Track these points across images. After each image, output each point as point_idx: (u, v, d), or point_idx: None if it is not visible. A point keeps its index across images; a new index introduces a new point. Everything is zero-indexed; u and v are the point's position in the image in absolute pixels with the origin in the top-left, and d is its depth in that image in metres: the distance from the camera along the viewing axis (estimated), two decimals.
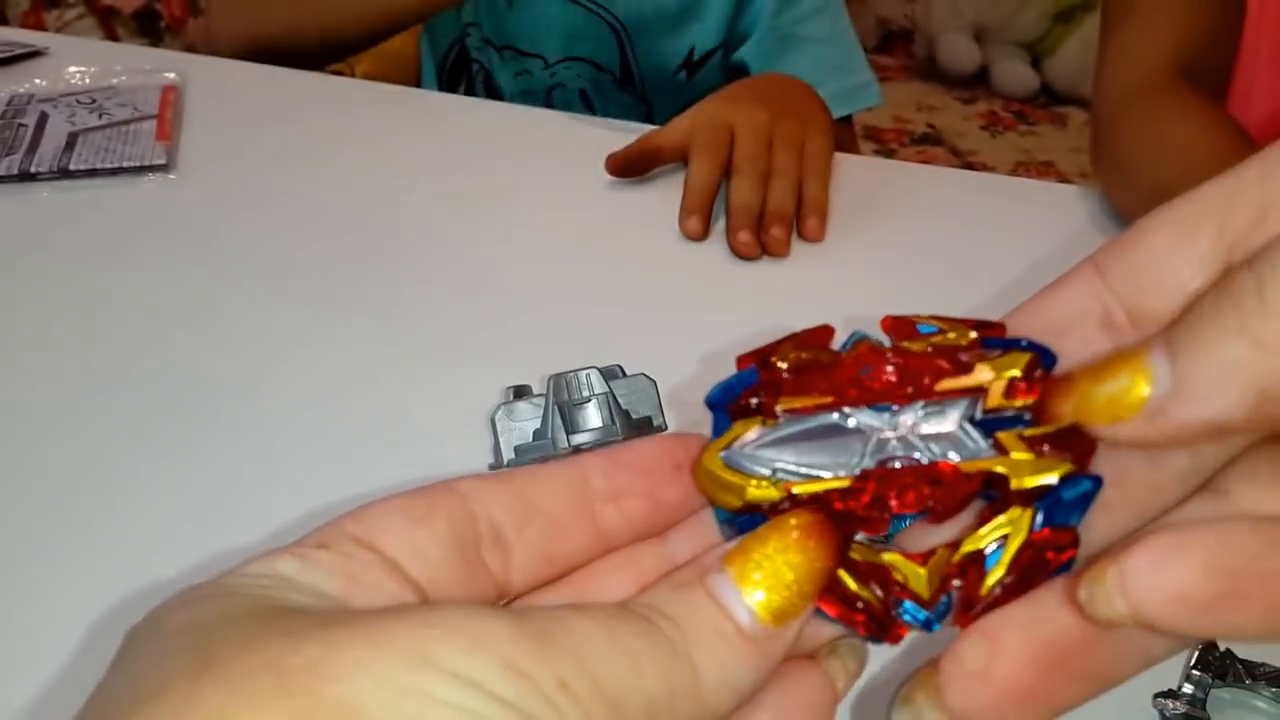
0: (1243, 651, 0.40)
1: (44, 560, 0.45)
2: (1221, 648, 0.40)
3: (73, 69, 0.89)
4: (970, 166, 2.46)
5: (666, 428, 0.44)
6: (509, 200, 0.74)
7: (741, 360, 0.23)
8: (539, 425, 0.44)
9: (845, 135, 0.94)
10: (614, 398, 0.44)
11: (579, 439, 0.43)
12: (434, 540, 0.19)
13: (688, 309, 0.63)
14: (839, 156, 0.77)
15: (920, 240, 0.70)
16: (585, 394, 0.44)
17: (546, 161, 0.79)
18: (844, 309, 0.64)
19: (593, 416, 0.43)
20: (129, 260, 0.66)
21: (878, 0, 2.94)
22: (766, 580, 0.19)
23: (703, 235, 0.69)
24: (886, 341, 0.23)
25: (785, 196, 0.69)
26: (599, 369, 0.44)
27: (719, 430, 0.22)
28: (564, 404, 0.43)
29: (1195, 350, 0.18)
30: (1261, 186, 0.19)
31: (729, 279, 0.66)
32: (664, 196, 0.73)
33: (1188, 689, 0.39)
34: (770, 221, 0.68)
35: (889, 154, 2.51)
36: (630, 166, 0.74)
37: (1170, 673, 0.39)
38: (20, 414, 0.53)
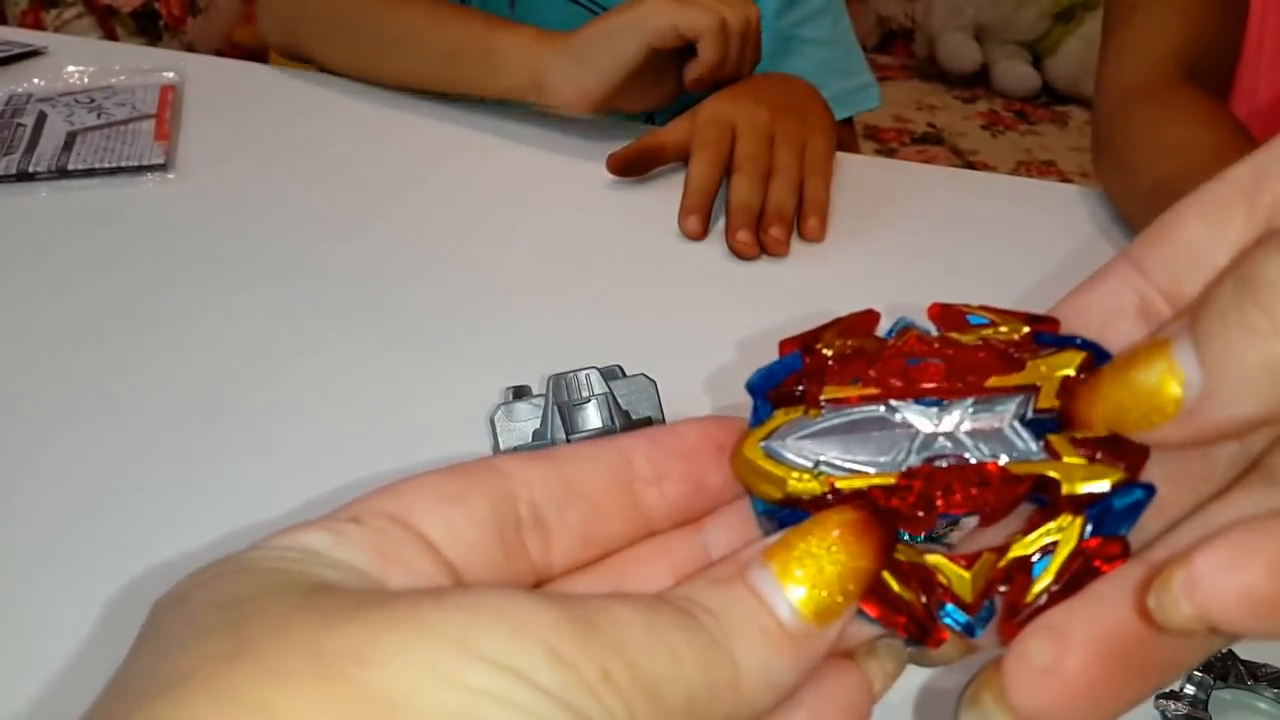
0: (1244, 653, 0.40)
1: (42, 562, 0.44)
2: (1224, 649, 0.40)
3: (71, 68, 0.89)
4: (971, 166, 2.46)
5: None
6: (509, 200, 0.74)
7: (784, 345, 0.22)
8: (538, 426, 0.44)
9: (846, 136, 0.94)
10: (614, 398, 0.43)
11: (579, 439, 0.43)
12: (470, 521, 0.19)
13: (688, 309, 0.62)
14: (839, 156, 0.77)
15: (921, 240, 0.70)
16: (585, 394, 0.44)
17: (547, 162, 0.79)
18: (845, 308, 0.64)
19: (592, 417, 0.43)
20: (127, 260, 0.66)
21: (878, 0, 2.94)
22: (809, 577, 0.18)
23: (702, 235, 0.69)
24: (933, 330, 0.22)
25: (786, 195, 0.69)
26: (599, 369, 0.44)
27: (759, 416, 0.21)
28: (563, 404, 0.43)
29: (1225, 348, 0.17)
30: None
31: (729, 279, 0.66)
32: (664, 196, 0.73)
33: (1189, 690, 0.39)
34: (770, 221, 0.68)
35: (889, 153, 2.51)
36: (631, 166, 0.74)
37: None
38: (18, 414, 0.53)
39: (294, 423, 0.52)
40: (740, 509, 0.22)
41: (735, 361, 0.56)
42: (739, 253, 0.67)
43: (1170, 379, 0.18)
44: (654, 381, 0.45)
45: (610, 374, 0.45)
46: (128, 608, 0.42)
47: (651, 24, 0.71)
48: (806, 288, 0.65)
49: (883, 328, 0.23)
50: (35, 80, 0.88)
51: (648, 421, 0.44)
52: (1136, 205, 0.68)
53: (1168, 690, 0.39)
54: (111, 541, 0.45)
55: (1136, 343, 0.19)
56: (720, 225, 0.70)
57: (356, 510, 0.19)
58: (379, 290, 0.64)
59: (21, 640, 0.41)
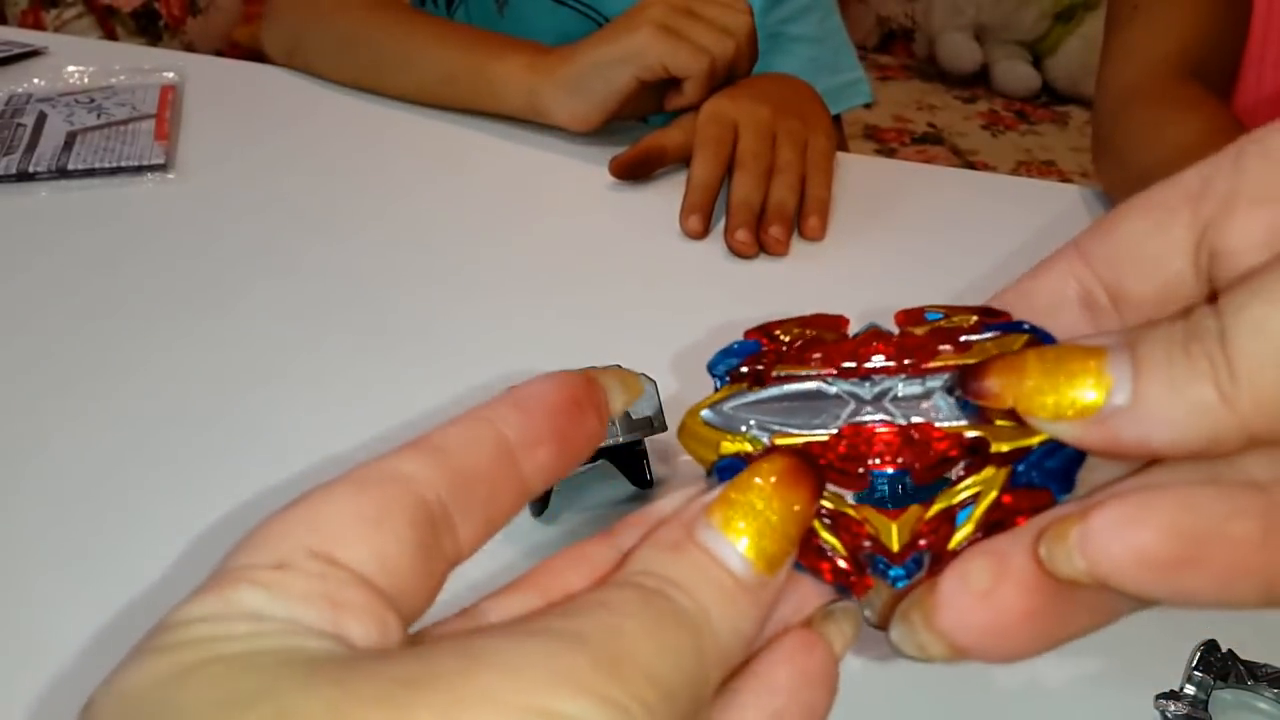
0: (1245, 653, 0.40)
1: (42, 563, 0.44)
2: (1224, 649, 0.40)
3: (71, 68, 0.89)
4: (971, 166, 2.46)
5: (666, 428, 0.44)
6: (510, 200, 0.74)
7: (749, 333, 0.24)
8: None
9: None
10: None
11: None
12: (397, 543, 0.18)
13: (688, 309, 0.62)
14: (839, 156, 0.77)
15: (920, 240, 0.70)
16: None
17: (547, 161, 0.79)
18: (844, 308, 0.64)
19: None
20: (127, 260, 0.66)
21: (878, 0, 2.94)
22: (751, 526, 0.19)
23: (703, 234, 0.69)
24: (897, 332, 0.23)
25: (787, 194, 0.69)
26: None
27: None
28: None
29: (1162, 381, 0.18)
30: (1232, 175, 0.20)
31: (730, 279, 0.66)
32: (664, 196, 0.73)
33: (1190, 690, 0.39)
34: (770, 219, 0.68)
35: (889, 153, 2.51)
36: (634, 169, 0.74)
37: (1172, 674, 0.39)
38: (18, 413, 0.53)
39: (294, 422, 0.52)
40: (646, 516, 0.22)
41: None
42: (738, 251, 0.67)
43: (1097, 384, 0.18)
44: (654, 381, 0.45)
45: None
46: (128, 608, 0.42)
47: (642, 60, 0.73)
48: (806, 287, 0.65)
49: (851, 331, 0.24)
50: (35, 80, 0.88)
51: (648, 421, 0.44)
52: None
53: (1168, 690, 0.39)
54: (111, 542, 0.45)
55: (1074, 339, 0.20)
56: (721, 225, 0.70)
57: (274, 551, 0.17)
58: (379, 290, 0.64)
59: (22, 641, 0.41)
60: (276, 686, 0.15)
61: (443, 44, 0.82)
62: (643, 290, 0.64)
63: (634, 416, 0.44)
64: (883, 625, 0.21)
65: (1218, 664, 0.39)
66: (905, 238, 0.70)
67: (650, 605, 0.18)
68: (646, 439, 0.44)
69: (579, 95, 0.76)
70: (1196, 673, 0.39)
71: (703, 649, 0.18)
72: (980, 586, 0.19)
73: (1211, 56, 0.72)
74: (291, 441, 0.51)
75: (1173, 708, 0.38)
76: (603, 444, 0.42)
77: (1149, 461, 0.20)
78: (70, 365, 0.56)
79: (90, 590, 0.43)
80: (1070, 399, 0.19)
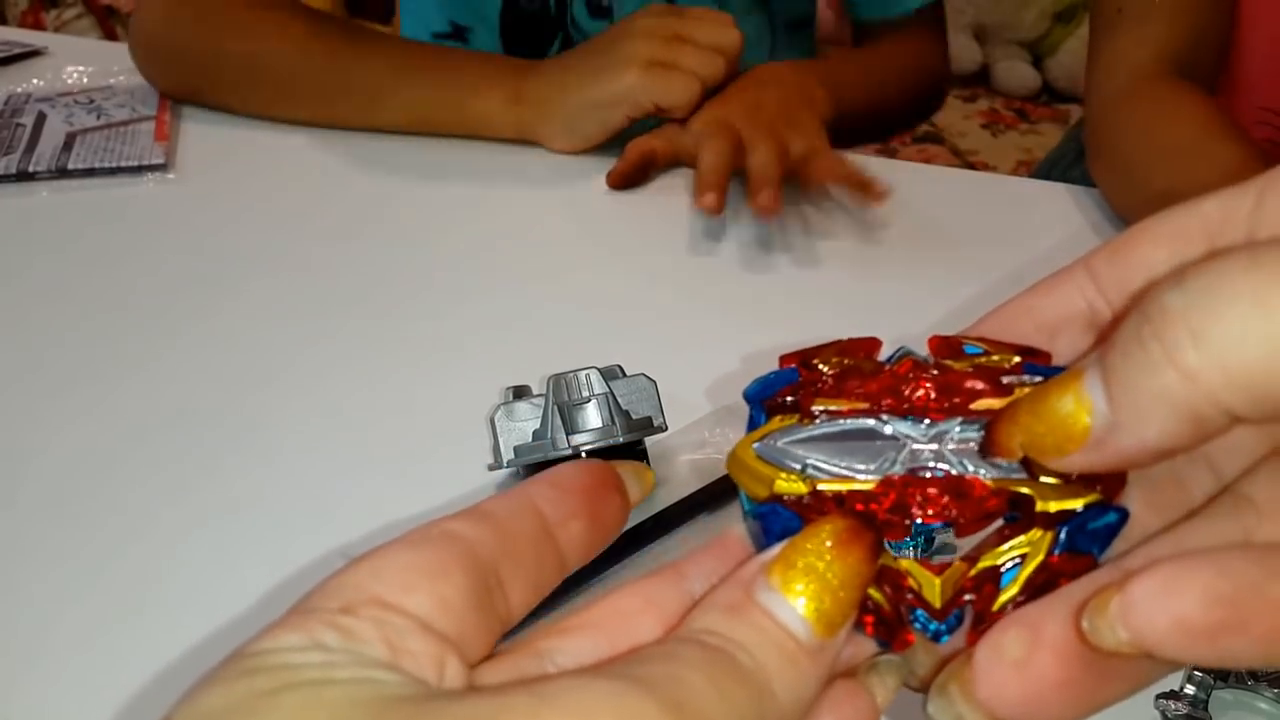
0: None
1: (41, 564, 0.44)
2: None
3: (70, 69, 0.89)
4: (971, 165, 2.46)
5: (666, 428, 0.44)
6: (509, 200, 0.74)
7: (784, 359, 0.23)
8: (538, 426, 0.44)
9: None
10: (614, 398, 0.43)
11: (579, 439, 0.43)
12: (456, 591, 0.19)
13: (688, 309, 0.62)
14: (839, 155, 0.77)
15: (920, 239, 0.70)
16: (585, 394, 0.44)
17: (548, 161, 0.79)
18: (843, 308, 0.64)
19: (592, 417, 0.43)
20: (128, 260, 0.66)
21: None
22: (811, 587, 0.19)
23: (719, 210, 0.67)
24: (931, 360, 0.23)
25: (769, 158, 0.68)
26: (599, 369, 0.44)
27: (754, 424, 0.23)
28: (564, 404, 0.43)
29: (1126, 380, 0.18)
30: (1255, 210, 0.20)
31: (729, 279, 0.66)
32: (664, 197, 0.73)
33: (1190, 690, 0.39)
34: (756, 186, 0.66)
35: (890, 153, 2.51)
36: (630, 178, 0.75)
37: (1172, 674, 0.39)
38: (18, 414, 0.53)
39: (294, 423, 0.52)
40: (716, 554, 0.22)
41: (734, 362, 0.56)
42: (761, 213, 0.66)
43: (1080, 409, 0.19)
44: (654, 381, 0.45)
45: (610, 374, 0.45)
46: (128, 609, 0.42)
47: (634, 101, 0.74)
48: (806, 287, 0.65)
49: (884, 354, 0.23)
50: (35, 81, 0.88)
51: (648, 421, 0.44)
52: (1140, 210, 0.68)
53: (1168, 690, 0.39)
54: (111, 542, 0.45)
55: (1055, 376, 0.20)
56: (726, 224, 0.70)
57: (344, 598, 0.18)
58: (380, 290, 0.64)
59: (22, 641, 0.41)
60: (352, 715, 0.16)
61: (411, 81, 0.79)
62: (643, 289, 0.64)
63: (634, 416, 0.44)
64: (922, 689, 0.21)
65: None
66: (905, 237, 0.70)
67: (714, 661, 0.18)
68: (646, 439, 0.44)
69: (572, 133, 0.77)
70: (1196, 672, 0.39)
71: (764, 710, 0.18)
72: (1015, 656, 0.19)
73: (1198, 55, 0.72)
74: (293, 440, 0.51)
75: (1173, 707, 0.38)
76: (603, 444, 0.42)
77: (1185, 515, 0.21)
78: (72, 365, 0.56)
79: (89, 590, 0.43)
80: (1065, 433, 0.19)
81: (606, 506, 0.22)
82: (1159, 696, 0.39)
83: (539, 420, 0.44)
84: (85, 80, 0.89)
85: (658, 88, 0.73)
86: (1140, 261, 0.21)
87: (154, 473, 0.49)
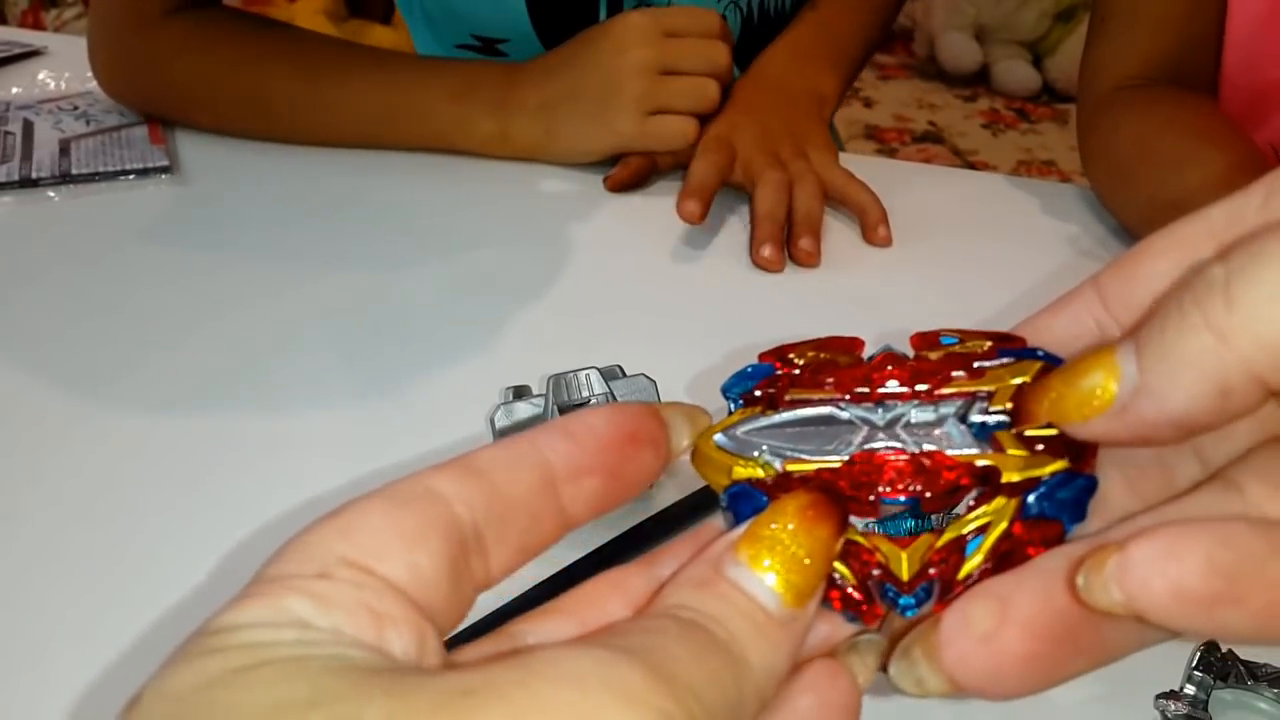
0: (1245, 653, 0.40)
1: (41, 566, 0.44)
2: (1224, 649, 0.40)
3: (44, 74, 0.88)
4: (971, 165, 2.46)
5: None
6: (510, 200, 0.74)
7: (763, 356, 0.24)
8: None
9: None
10: (614, 398, 0.43)
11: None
12: (431, 559, 0.18)
13: (687, 309, 0.62)
14: (840, 156, 0.77)
15: (920, 239, 0.70)
16: (585, 394, 0.44)
17: (546, 162, 0.79)
18: (842, 308, 0.64)
19: None
20: (140, 262, 0.66)
21: None
22: (779, 561, 0.19)
23: (700, 218, 0.67)
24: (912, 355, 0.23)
25: (813, 203, 0.69)
26: (599, 369, 0.44)
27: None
28: (564, 404, 0.43)
29: (1159, 346, 0.18)
30: (1262, 213, 0.20)
31: (728, 279, 0.66)
32: (664, 198, 0.73)
33: (1189, 690, 0.39)
34: (800, 231, 0.67)
35: (890, 153, 2.51)
36: (629, 184, 0.75)
37: (1172, 674, 0.39)
38: (28, 418, 0.53)
39: (296, 423, 0.52)
40: (688, 546, 0.22)
41: (734, 361, 0.56)
42: (765, 268, 0.66)
43: (1110, 377, 0.19)
44: (654, 381, 0.45)
45: (610, 374, 0.45)
46: (128, 610, 0.42)
47: (630, 148, 0.74)
48: (805, 287, 0.65)
49: (867, 354, 0.23)
50: (14, 89, 0.87)
51: None
52: (1138, 215, 0.68)
53: (1168, 690, 0.39)
54: (112, 544, 0.45)
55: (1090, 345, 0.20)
56: (723, 225, 0.70)
57: (316, 562, 0.17)
58: (381, 289, 0.64)
59: (23, 641, 0.41)
60: (330, 693, 0.15)
61: (353, 89, 0.77)
62: (643, 290, 0.64)
63: None
64: (881, 666, 0.21)
65: (1218, 664, 0.39)
66: (905, 237, 0.70)
67: (690, 633, 0.18)
68: None
69: (568, 154, 0.76)
70: (1196, 672, 0.39)
71: (740, 678, 0.18)
72: (983, 629, 0.19)
73: (1190, 56, 0.72)
74: (294, 441, 0.51)
75: (1173, 707, 0.38)
76: None
77: (1171, 496, 0.21)
78: (84, 368, 0.56)
79: (89, 592, 0.43)
80: (1090, 395, 0.19)
81: (631, 462, 0.21)
82: (1159, 696, 0.39)
83: (539, 420, 0.44)
84: (63, 85, 0.88)
85: (653, 134, 0.73)
86: (1147, 279, 0.21)
87: (159, 474, 0.49)
